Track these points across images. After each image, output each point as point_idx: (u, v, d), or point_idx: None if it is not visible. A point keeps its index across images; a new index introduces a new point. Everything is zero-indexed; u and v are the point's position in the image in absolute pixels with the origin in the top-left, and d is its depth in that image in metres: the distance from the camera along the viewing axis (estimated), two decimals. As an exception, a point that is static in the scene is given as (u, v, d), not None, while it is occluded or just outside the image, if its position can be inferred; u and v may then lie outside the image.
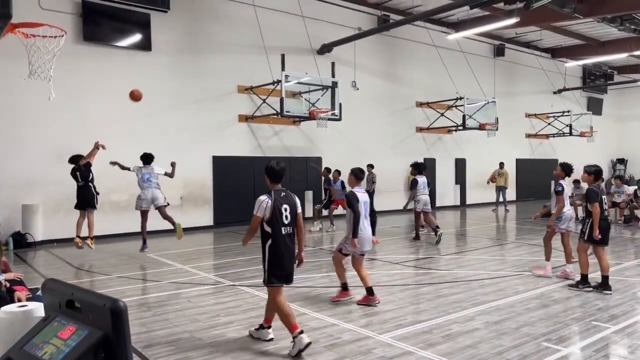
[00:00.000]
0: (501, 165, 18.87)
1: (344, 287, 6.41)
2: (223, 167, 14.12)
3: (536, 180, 23.74)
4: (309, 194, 15.78)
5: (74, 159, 9.66)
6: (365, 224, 6.19)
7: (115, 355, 1.51)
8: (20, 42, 7.00)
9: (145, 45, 12.79)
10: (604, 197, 6.99)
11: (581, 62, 23.82)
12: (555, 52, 24.07)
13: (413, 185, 11.66)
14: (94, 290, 1.98)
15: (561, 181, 7.82)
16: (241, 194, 14.07)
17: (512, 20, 14.59)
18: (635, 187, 14.84)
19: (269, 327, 4.95)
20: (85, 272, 8.50)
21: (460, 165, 20.65)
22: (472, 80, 18.75)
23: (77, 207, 9.69)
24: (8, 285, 4.61)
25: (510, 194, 21.00)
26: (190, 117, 13.62)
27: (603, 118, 27.38)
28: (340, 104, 13.76)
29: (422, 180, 11.61)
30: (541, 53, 23.62)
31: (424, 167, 11.97)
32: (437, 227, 11.32)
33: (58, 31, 6.96)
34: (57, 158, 11.53)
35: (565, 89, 24.67)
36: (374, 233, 6.73)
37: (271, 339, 4.90)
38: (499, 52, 21.65)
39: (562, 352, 4.57)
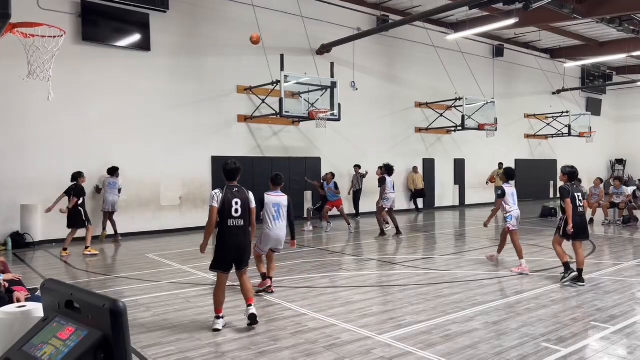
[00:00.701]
0: (500, 165, 18.87)
1: (263, 277, 6.82)
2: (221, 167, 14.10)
3: (535, 180, 23.77)
4: (307, 194, 15.79)
5: (75, 177, 9.98)
6: (274, 224, 6.57)
7: (114, 356, 1.51)
8: (19, 42, 6.99)
9: (144, 45, 12.78)
10: (578, 194, 7.36)
11: (580, 63, 23.85)
12: (554, 53, 24.09)
13: (382, 182, 12.21)
14: (93, 290, 1.97)
15: (503, 185, 8.56)
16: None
17: (511, 21, 14.61)
18: (634, 187, 14.85)
19: (249, 305, 5.33)
20: (84, 272, 8.49)
21: (459, 166, 20.67)
22: (471, 81, 18.78)
23: (68, 225, 9.97)
24: (7, 285, 4.60)
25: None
26: (189, 117, 13.61)
27: (602, 118, 27.42)
28: (339, 105, 13.77)
29: (390, 179, 12.17)
30: (540, 53, 23.65)
31: (393, 171, 12.44)
32: (388, 223, 12.59)
33: (57, 31, 6.95)
34: (56, 158, 11.54)
35: (564, 90, 24.70)
36: (293, 237, 6.88)
37: (248, 325, 5.26)
38: (498, 52, 21.68)
39: (561, 353, 4.57)
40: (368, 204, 16.61)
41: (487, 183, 18.88)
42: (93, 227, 10.50)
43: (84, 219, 9.96)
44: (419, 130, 19.14)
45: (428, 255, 10.08)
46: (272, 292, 6.75)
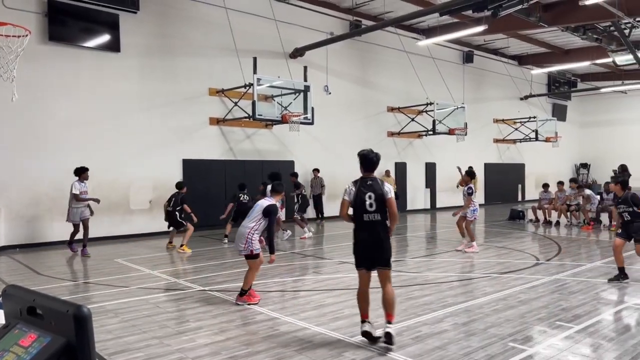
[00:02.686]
0: (470, 169, 19.23)
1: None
2: (193, 170, 13.95)
3: (504, 184, 24.32)
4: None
5: (180, 185, 11.14)
6: (244, 222, 6.41)
7: (78, 363, 1.48)
8: (-19, 41, 6.79)
9: (113, 46, 12.55)
10: None
11: (546, 70, 24.54)
12: (522, 60, 24.73)
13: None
14: (59, 297, 1.92)
15: (470, 185, 10.59)
16: (212, 198, 13.93)
17: (480, 28, 14.95)
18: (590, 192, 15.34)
19: (389, 322, 4.85)
20: (50, 278, 8.25)
21: (430, 169, 20.97)
22: (441, 86, 19.10)
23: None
24: (-33, 292, 4.44)
25: (479, 197, 21.38)
26: (160, 119, 13.42)
27: (567, 124, 28.27)
28: (312, 108, 13.79)
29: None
30: (508, 60, 24.24)
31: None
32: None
33: (22, 30, 6.78)
34: (21, 161, 11.21)
35: (531, 96, 25.37)
36: (271, 251, 6.49)
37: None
38: (467, 58, 22.12)
39: (527, 352, 4.67)
40: (332, 208, 16.68)
41: (457, 186, 19.13)
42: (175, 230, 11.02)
43: (179, 220, 10.79)
44: (391, 134, 19.35)
45: (400, 257, 10.19)
46: (237, 304, 6.36)
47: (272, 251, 6.43)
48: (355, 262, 5.01)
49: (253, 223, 6.27)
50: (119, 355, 4.65)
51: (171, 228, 11.04)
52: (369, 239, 4.86)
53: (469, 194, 10.43)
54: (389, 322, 4.83)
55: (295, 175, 13.65)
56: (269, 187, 7.00)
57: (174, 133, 13.68)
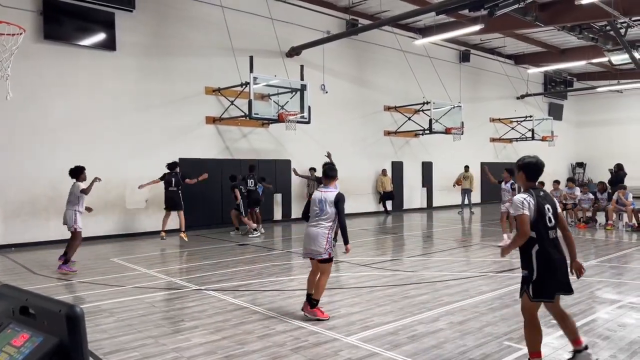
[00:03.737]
0: (466, 168, 19.26)
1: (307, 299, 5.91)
2: (190, 169, 13.90)
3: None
4: (277, 197, 15.75)
5: (172, 166, 11.60)
6: (311, 221, 5.85)
7: (71, 362, 1.47)
8: (-24, 39, 6.76)
9: (109, 44, 12.51)
10: None
11: (542, 69, 24.59)
12: (518, 59, 24.77)
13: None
14: (54, 296, 1.91)
15: (511, 181, 11.01)
16: (208, 197, 13.92)
17: (477, 27, 14.96)
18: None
19: (586, 347, 4.28)
20: (45, 277, 8.23)
21: (426, 169, 20.99)
22: (438, 85, 19.11)
23: (166, 208, 11.67)
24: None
25: (476, 196, 21.43)
26: (156, 118, 13.38)
27: (563, 123, 28.35)
28: (309, 107, 13.78)
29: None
30: (505, 59, 24.27)
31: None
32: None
33: (16, 29, 6.75)
34: (17, 160, 11.16)
35: (527, 95, 25.43)
36: (346, 241, 5.95)
37: None
38: (464, 57, 22.14)
39: (523, 351, 4.68)
40: (350, 203, 16.64)
41: (454, 185, 19.19)
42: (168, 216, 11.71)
43: (182, 201, 11.47)
44: (387, 133, 19.35)
45: (396, 256, 10.20)
46: (305, 315, 5.74)
47: (346, 241, 5.85)
48: (543, 291, 4.03)
49: (328, 222, 5.70)
50: (114, 354, 4.65)
51: (172, 212, 11.58)
52: (560, 260, 4.07)
53: (513, 189, 10.93)
54: (581, 345, 4.25)
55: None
56: (322, 173, 6.22)
57: (170, 132, 13.65)
